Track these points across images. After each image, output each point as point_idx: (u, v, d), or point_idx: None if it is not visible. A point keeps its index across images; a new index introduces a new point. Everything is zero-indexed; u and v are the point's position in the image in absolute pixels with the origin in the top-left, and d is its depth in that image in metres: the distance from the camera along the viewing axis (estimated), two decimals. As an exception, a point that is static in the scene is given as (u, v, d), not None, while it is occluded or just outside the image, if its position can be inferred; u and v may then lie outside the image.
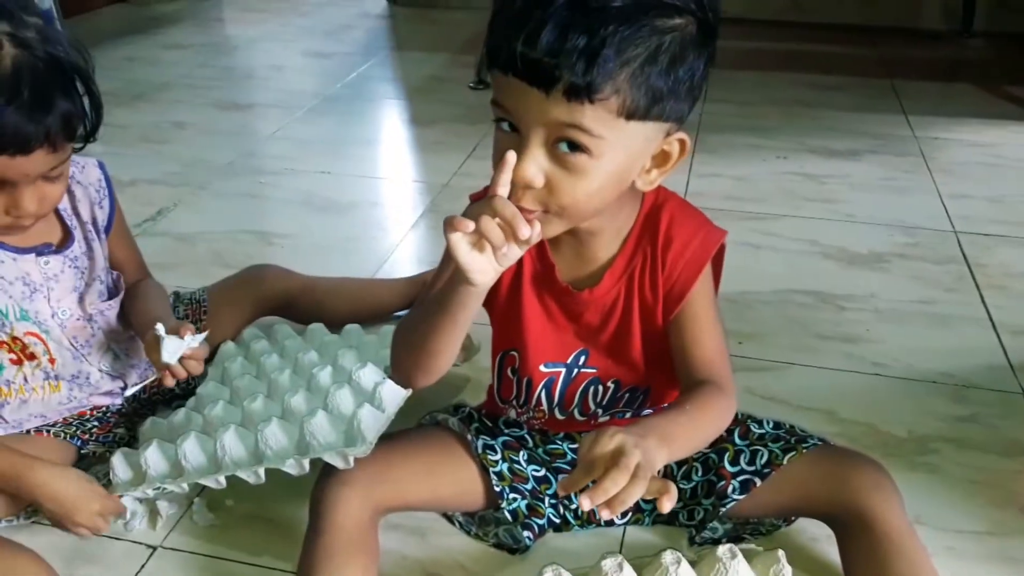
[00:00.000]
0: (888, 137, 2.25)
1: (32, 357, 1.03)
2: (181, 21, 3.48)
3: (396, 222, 1.85)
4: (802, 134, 2.26)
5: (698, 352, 0.89)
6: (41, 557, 0.91)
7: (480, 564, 0.98)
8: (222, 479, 0.96)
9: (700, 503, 0.99)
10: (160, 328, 0.96)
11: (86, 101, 0.92)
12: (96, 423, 1.11)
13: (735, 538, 0.98)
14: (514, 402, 1.00)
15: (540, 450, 1.03)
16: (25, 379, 1.04)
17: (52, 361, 1.04)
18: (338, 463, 0.91)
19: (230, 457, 0.96)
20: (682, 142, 0.78)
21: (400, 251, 1.69)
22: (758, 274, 1.59)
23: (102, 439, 1.11)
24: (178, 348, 0.97)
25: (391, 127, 2.43)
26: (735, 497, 0.94)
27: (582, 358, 0.95)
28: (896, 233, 1.75)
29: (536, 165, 0.73)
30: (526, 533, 0.98)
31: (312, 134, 2.31)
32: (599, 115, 0.71)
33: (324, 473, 0.92)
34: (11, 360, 1.02)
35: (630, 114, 0.71)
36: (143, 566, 0.98)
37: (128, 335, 1.13)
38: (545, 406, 0.97)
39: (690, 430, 0.80)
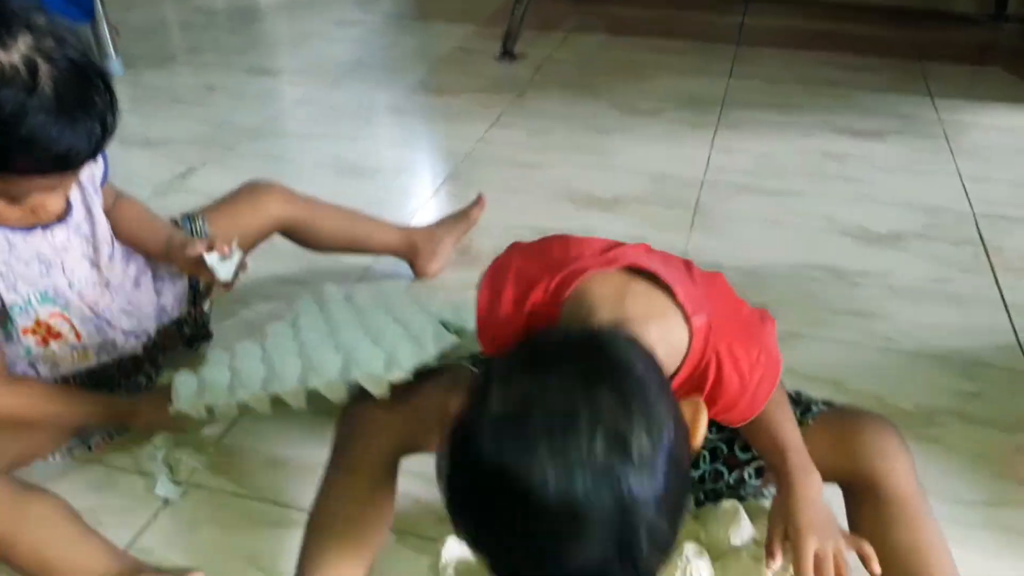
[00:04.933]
0: (913, 119, 2.24)
1: (58, 336, 1.05)
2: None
3: (419, 188, 1.88)
4: (827, 113, 2.26)
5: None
6: (60, 497, 0.93)
7: (489, 512, 1.02)
8: (267, 399, 1.01)
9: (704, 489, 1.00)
10: (210, 256, 1.05)
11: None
12: (116, 371, 1.14)
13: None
14: None
15: None
16: (54, 352, 1.06)
17: (78, 336, 1.07)
18: (373, 388, 0.94)
19: (279, 378, 1.01)
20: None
21: (422, 216, 1.72)
22: (775, 249, 1.61)
23: (125, 385, 1.15)
24: (232, 265, 1.08)
25: (416, 96, 2.45)
26: (753, 484, 0.97)
27: None
28: (915, 213, 1.76)
29: None
30: None
31: (339, 101, 2.34)
32: None
33: (348, 409, 0.95)
34: (36, 342, 1.04)
35: None
36: (167, 501, 1.03)
37: (134, 285, 1.14)
38: None
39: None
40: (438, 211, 1.74)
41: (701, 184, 1.86)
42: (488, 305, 0.83)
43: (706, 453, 0.99)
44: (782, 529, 0.84)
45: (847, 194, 1.84)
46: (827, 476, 0.93)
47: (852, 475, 0.90)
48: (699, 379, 0.80)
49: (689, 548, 0.87)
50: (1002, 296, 1.48)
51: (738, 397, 0.82)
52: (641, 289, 0.78)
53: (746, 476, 0.96)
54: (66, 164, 0.86)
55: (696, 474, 0.99)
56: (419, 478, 1.05)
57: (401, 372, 0.94)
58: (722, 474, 0.98)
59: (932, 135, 2.14)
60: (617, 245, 0.87)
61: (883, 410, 1.19)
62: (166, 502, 1.02)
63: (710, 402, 0.81)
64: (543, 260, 0.84)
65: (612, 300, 0.76)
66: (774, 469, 0.87)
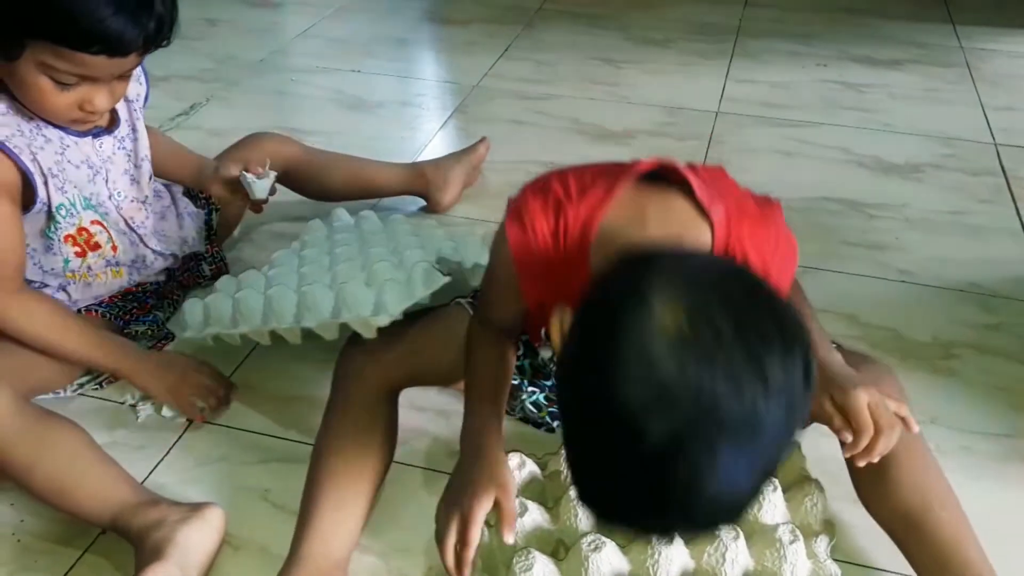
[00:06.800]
0: (933, 47, 2.18)
1: (96, 247, 1.07)
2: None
3: (426, 122, 1.84)
4: (844, 42, 2.19)
5: None
6: (78, 425, 0.94)
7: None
8: (266, 333, 1.01)
9: None
10: (248, 175, 1.12)
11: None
12: (135, 304, 1.15)
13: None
14: None
15: None
16: (89, 268, 1.08)
17: (115, 249, 1.09)
18: (362, 331, 0.94)
19: (275, 314, 1.01)
20: None
21: (429, 151, 1.69)
22: (790, 181, 1.58)
23: (143, 320, 1.15)
24: (267, 184, 1.13)
25: (423, 27, 2.39)
26: None
27: None
28: (934, 144, 1.72)
29: None
30: (556, 423, 1.01)
31: (343, 32, 2.29)
32: None
33: (347, 348, 0.95)
34: (76, 253, 1.05)
35: None
36: (180, 437, 1.03)
37: (160, 217, 1.17)
38: None
39: None
40: (447, 147, 1.71)
41: (715, 116, 1.82)
42: (521, 242, 0.78)
43: None
44: (828, 400, 0.77)
45: (864, 124, 1.80)
46: (826, 416, 0.91)
47: (845, 412, 0.85)
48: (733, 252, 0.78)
49: (725, 531, 0.85)
50: (1023, 227, 1.45)
51: (773, 256, 0.79)
52: (658, 200, 0.76)
53: None
54: (111, 47, 0.88)
55: None
56: (429, 413, 1.05)
57: (388, 316, 0.93)
58: None
59: (953, 63, 2.09)
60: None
61: (899, 343, 1.18)
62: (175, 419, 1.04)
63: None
64: (561, 190, 0.80)
65: (635, 222, 0.75)
66: None
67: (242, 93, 1.94)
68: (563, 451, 0.91)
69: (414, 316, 0.97)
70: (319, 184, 1.40)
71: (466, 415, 0.89)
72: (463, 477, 0.83)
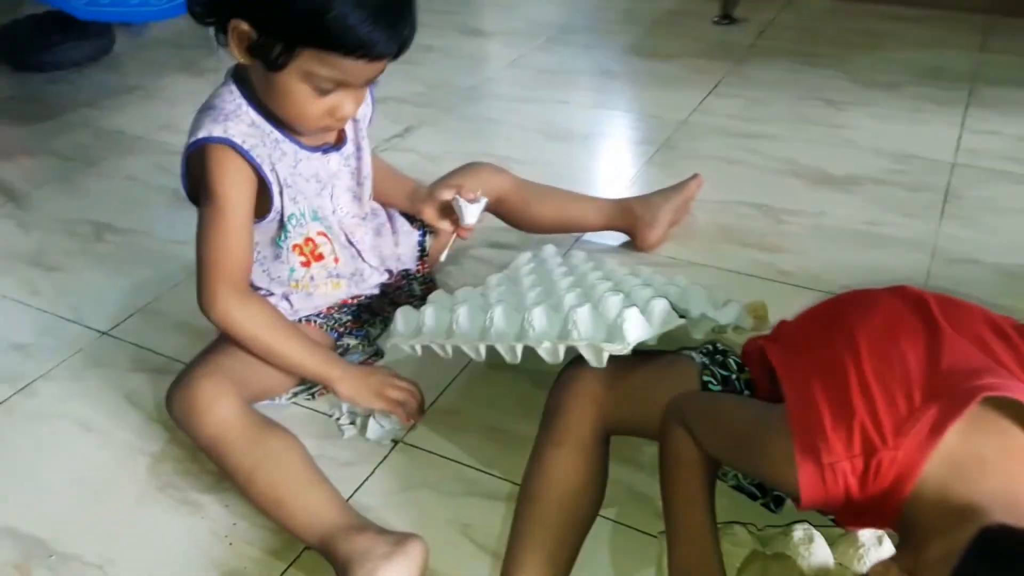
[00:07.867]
0: None
1: (320, 258, 1.10)
2: (428, -52, 3.56)
3: (631, 155, 1.80)
4: (1102, 94, 1.96)
5: None
6: (297, 438, 0.96)
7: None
8: (482, 349, 0.97)
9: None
10: (460, 199, 1.11)
11: None
12: (349, 317, 1.18)
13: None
14: None
15: None
16: (312, 278, 1.11)
17: (336, 260, 1.12)
18: (590, 357, 0.89)
19: (495, 330, 0.97)
20: None
21: (633, 185, 1.65)
22: (1041, 246, 1.41)
23: (356, 333, 1.18)
24: (477, 210, 1.12)
25: (628, 60, 2.36)
26: None
27: None
28: None
29: None
30: (778, 509, 0.93)
31: (550, 63, 2.30)
32: None
33: (562, 379, 0.92)
34: (301, 263, 1.09)
35: None
36: (385, 457, 1.03)
37: (376, 234, 1.19)
38: None
39: None
40: (651, 182, 1.66)
41: (952, 168, 1.67)
42: (815, 486, 0.68)
43: None
44: None
45: None
46: None
47: None
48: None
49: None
50: None
51: None
52: (991, 440, 0.65)
53: None
54: (371, 52, 0.89)
55: None
56: (634, 464, 1.00)
57: (623, 345, 0.87)
58: None
59: None
60: (931, 329, 0.73)
61: None
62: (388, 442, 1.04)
63: None
64: (870, 421, 0.68)
65: (967, 473, 0.63)
66: None
67: (454, 118, 1.98)
68: (794, 535, 0.82)
69: (635, 357, 0.90)
70: (527, 215, 1.39)
71: (674, 543, 0.81)
72: None
